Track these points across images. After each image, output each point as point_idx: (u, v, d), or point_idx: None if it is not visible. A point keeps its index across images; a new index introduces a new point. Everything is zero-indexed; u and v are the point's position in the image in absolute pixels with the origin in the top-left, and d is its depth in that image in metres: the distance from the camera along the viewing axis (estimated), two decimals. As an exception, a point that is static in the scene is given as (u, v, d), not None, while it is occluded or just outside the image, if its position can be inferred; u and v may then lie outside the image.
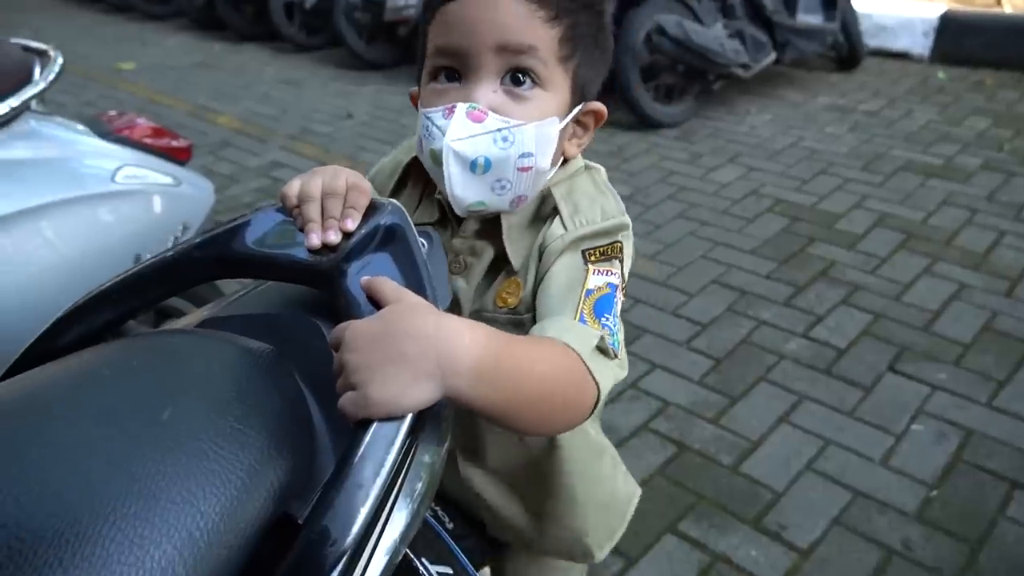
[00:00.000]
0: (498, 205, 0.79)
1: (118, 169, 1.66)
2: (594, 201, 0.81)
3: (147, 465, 0.51)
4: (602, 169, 0.88)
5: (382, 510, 0.54)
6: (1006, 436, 2.01)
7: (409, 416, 0.56)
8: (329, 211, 0.69)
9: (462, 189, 0.76)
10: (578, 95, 0.81)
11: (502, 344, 0.60)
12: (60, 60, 1.68)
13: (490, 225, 0.84)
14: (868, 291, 2.67)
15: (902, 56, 5.34)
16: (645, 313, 2.57)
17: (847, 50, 5.06)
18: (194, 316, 0.78)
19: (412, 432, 0.56)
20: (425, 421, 0.58)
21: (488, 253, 0.84)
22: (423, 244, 0.71)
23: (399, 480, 0.56)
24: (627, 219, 0.81)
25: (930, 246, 2.95)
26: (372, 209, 0.70)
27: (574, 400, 0.68)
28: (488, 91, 0.75)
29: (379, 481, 0.53)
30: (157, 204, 1.69)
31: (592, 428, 0.98)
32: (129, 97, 5.24)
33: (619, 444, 2.02)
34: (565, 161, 0.85)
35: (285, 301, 0.73)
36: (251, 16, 6.52)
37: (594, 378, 0.68)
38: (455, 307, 0.85)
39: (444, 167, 0.75)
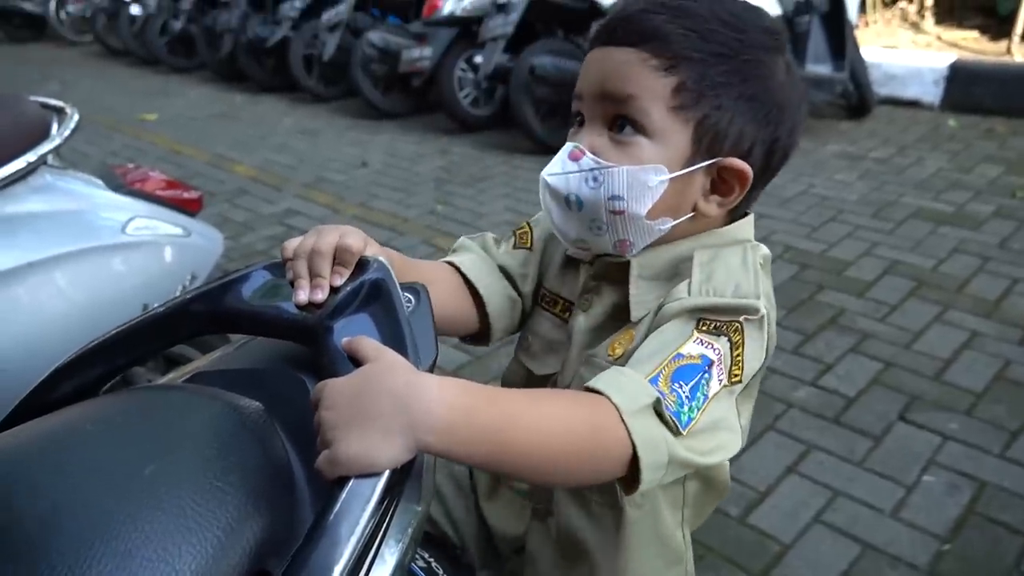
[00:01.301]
0: (600, 246, 0.82)
1: (129, 221, 1.69)
2: (731, 275, 0.75)
3: (125, 523, 0.52)
4: (764, 249, 0.82)
5: (360, 567, 0.55)
6: (1021, 488, 1.97)
7: (386, 473, 0.56)
8: (316, 269, 0.70)
9: (562, 223, 0.81)
10: (705, 147, 0.76)
11: (477, 400, 0.60)
12: (76, 117, 1.74)
13: (619, 271, 0.83)
14: (878, 339, 2.66)
15: (912, 104, 5.38)
16: None
17: (857, 98, 5.11)
18: (184, 370, 0.79)
19: (390, 489, 0.57)
20: (404, 478, 0.59)
21: (610, 297, 0.85)
22: (409, 300, 0.72)
23: (378, 537, 0.57)
24: (761, 305, 0.73)
25: (941, 294, 2.94)
26: (360, 266, 0.72)
27: (595, 455, 0.64)
28: (594, 135, 0.78)
29: (354, 538, 0.54)
30: (167, 254, 1.72)
31: (671, 519, 0.90)
32: (151, 147, 5.38)
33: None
34: (708, 222, 0.81)
35: (273, 356, 0.75)
36: (271, 68, 6.72)
37: (631, 437, 0.63)
38: (570, 345, 0.87)
39: (542, 199, 0.81)
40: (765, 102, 0.78)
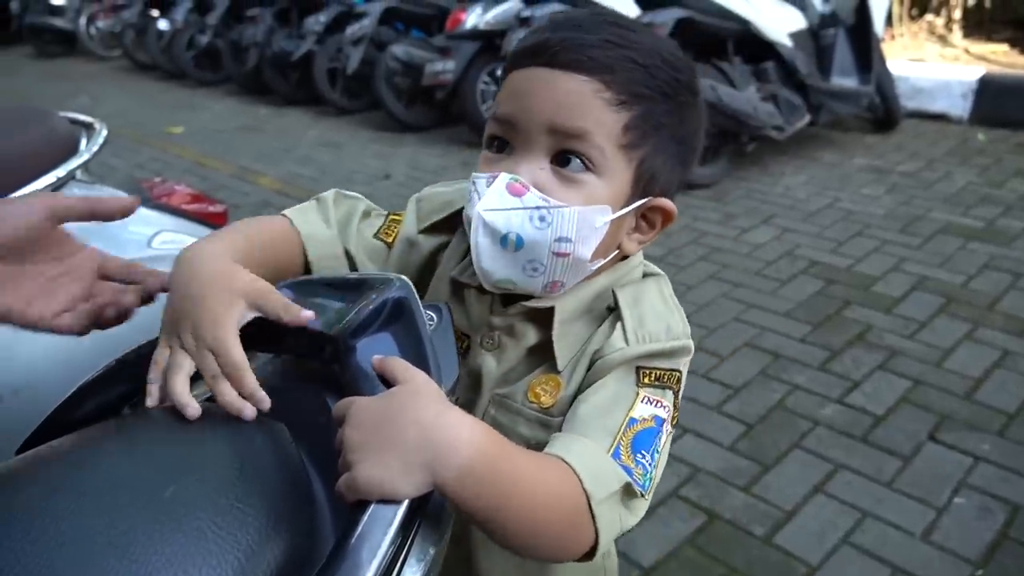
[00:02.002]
0: (528, 287, 0.75)
1: (156, 234, 1.66)
2: (661, 317, 0.76)
3: (145, 545, 0.51)
4: (666, 278, 0.83)
5: None
6: (1056, 512, 1.92)
7: (406, 501, 0.56)
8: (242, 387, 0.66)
9: (490, 262, 0.72)
10: (642, 187, 0.75)
11: (502, 451, 0.59)
12: (104, 132, 1.74)
13: (539, 313, 0.78)
14: (906, 356, 2.61)
15: (940, 118, 5.31)
16: None
17: (883, 112, 5.05)
18: (205, 388, 0.79)
19: (410, 517, 0.56)
20: (426, 508, 0.58)
21: (529, 338, 0.79)
22: (431, 318, 0.71)
23: (397, 564, 0.56)
24: (691, 343, 0.76)
25: (971, 311, 2.88)
26: (381, 283, 0.71)
27: (566, 537, 0.64)
28: (535, 167, 0.71)
29: (375, 563, 0.53)
30: None
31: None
32: (177, 160, 5.45)
33: (647, 512, 1.97)
34: (623, 257, 0.80)
35: (294, 374, 0.74)
36: (295, 81, 6.78)
37: (596, 526, 0.63)
38: (476, 386, 0.82)
39: (472, 236, 0.72)
40: (690, 144, 0.78)
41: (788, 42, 4.45)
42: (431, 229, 0.88)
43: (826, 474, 2.09)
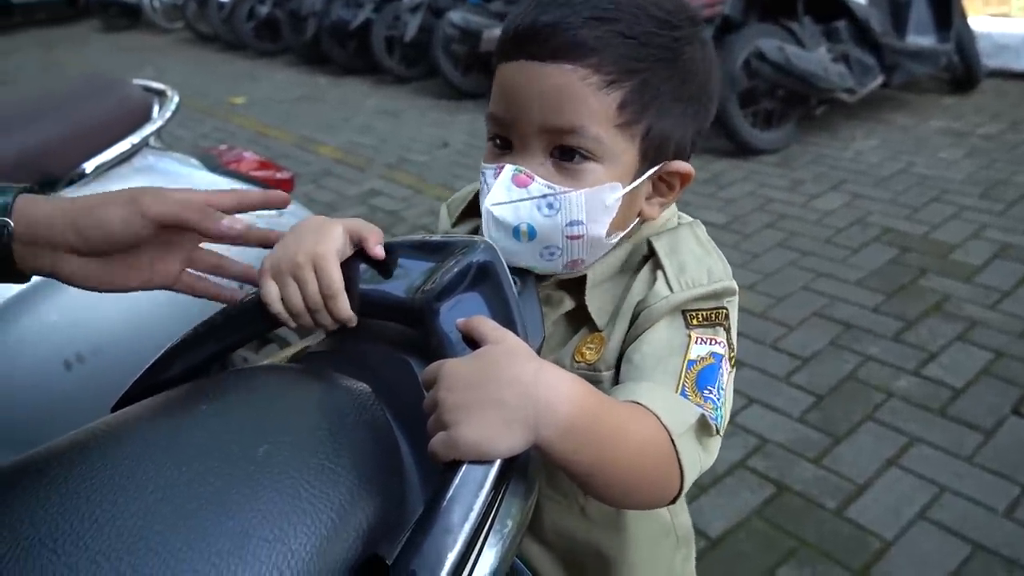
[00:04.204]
0: (549, 269, 0.76)
1: None
2: (700, 261, 0.75)
3: (241, 502, 0.52)
4: (700, 223, 0.82)
5: (469, 554, 0.53)
6: None
7: (498, 461, 0.55)
8: (311, 302, 0.68)
9: (507, 253, 0.71)
10: (652, 156, 0.74)
11: (601, 404, 0.59)
12: (176, 99, 1.77)
13: (571, 282, 0.79)
14: (987, 327, 2.50)
15: (1024, 76, 5.04)
16: (742, 345, 2.47)
17: (962, 71, 4.81)
18: (291, 351, 0.80)
19: (501, 477, 0.55)
20: (514, 468, 0.57)
21: (566, 304, 0.79)
22: (515, 281, 0.70)
23: (487, 525, 0.55)
24: (734, 283, 0.75)
25: (1058, 279, 2.74)
26: (465, 246, 0.70)
27: (658, 482, 0.64)
28: (535, 163, 0.72)
29: (467, 526, 0.52)
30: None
31: (667, 508, 0.90)
32: (239, 130, 5.54)
33: (713, 482, 1.94)
34: (642, 221, 0.79)
35: (378, 337, 0.74)
36: (353, 50, 6.78)
37: (680, 466, 0.63)
38: None
39: (486, 230, 0.73)
40: (699, 98, 0.75)
41: (861, -1, 4.25)
42: (461, 218, 0.91)
43: (901, 447, 2.02)
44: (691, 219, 0.82)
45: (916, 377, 2.29)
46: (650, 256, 0.75)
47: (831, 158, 4.07)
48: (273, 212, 1.77)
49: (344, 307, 0.68)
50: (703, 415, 0.66)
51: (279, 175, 1.92)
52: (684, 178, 0.77)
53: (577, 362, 0.77)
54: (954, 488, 1.88)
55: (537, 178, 0.71)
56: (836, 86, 4.06)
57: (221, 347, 0.75)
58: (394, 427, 0.65)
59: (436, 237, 0.80)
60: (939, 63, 4.59)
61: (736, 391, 2.22)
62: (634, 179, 0.73)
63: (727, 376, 0.71)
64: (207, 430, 0.58)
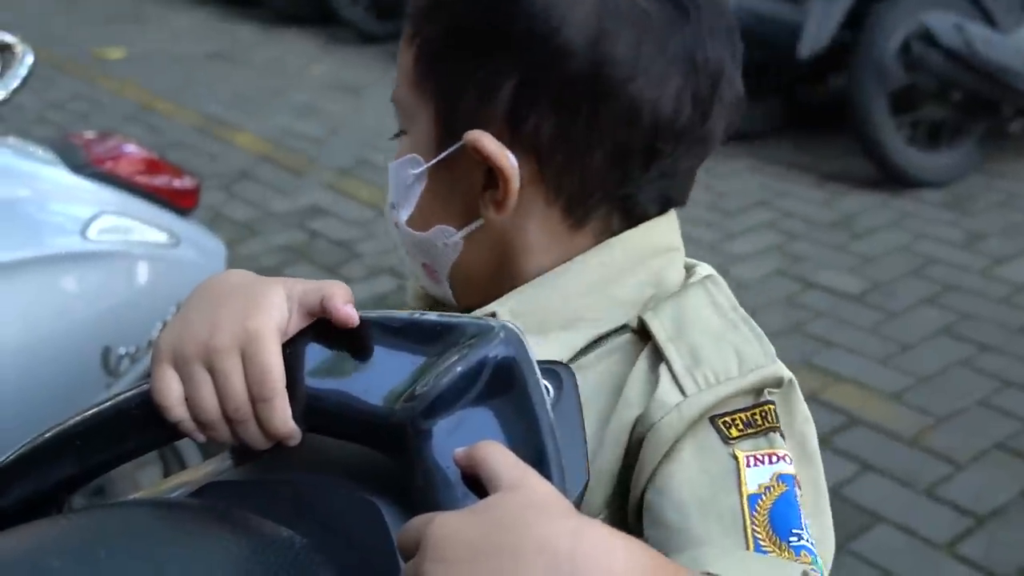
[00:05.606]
0: (433, 287, 0.72)
1: (93, 219, 1.38)
2: (722, 340, 0.63)
3: None
4: (716, 275, 0.68)
5: None
6: None
7: None
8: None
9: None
10: (448, 128, 0.66)
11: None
12: (29, 59, 1.37)
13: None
14: None
15: None
16: (879, 489, 1.96)
17: None
18: (194, 474, 0.67)
19: None
20: None
21: None
22: (546, 388, 0.55)
23: None
24: (780, 366, 0.62)
25: None
26: (475, 333, 0.55)
27: None
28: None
29: None
30: (143, 273, 1.46)
31: None
32: (112, 99, 4.57)
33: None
34: (487, 228, 0.69)
35: (330, 464, 0.60)
36: (297, -10, 5.93)
37: None
38: None
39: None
40: (486, 51, 0.64)
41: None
42: None
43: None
44: (706, 271, 0.70)
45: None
46: (646, 338, 0.63)
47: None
48: (162, 236, 1.44)
49: (283, 416, 0.54)
50: (804, 573, 0.54)
51: (178, 183, 1.57)
52: (498, 166, 0.65)
53: None
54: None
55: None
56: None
57: (82, 468, 0.61)
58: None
59: (431, 316, 0.64)
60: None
61: (866, 560, 1.73)
62: (433, 155, 0.68)
63: (801, 499, 0.60)
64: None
